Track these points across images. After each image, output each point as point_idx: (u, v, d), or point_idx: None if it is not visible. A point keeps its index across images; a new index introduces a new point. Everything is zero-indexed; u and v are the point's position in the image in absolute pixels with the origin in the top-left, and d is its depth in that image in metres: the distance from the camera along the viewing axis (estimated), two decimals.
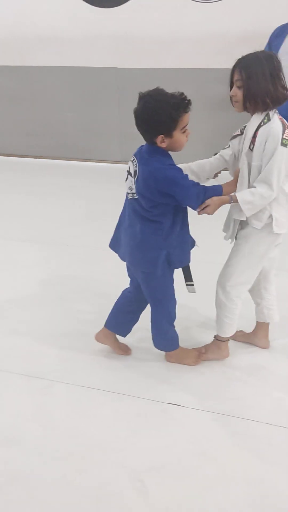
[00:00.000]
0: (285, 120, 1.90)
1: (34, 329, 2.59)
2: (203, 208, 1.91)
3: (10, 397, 2.13)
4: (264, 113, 1.89)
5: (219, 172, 2.15)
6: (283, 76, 1.86)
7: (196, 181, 2.10)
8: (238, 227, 2.10)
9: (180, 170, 1.90)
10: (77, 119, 5.37)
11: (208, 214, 1.93)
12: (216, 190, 1.93)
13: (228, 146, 2.10)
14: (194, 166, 2.11)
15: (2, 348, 2.44)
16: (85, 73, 5.10)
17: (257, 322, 2.40)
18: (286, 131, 1.85)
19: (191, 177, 2.05)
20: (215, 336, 2.29)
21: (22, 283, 3.05)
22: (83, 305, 2.81)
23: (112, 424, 1.99)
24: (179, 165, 1.97)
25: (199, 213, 1.94)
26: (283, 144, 1.83)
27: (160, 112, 1.77)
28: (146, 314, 2.27)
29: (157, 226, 1.93)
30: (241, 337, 2.44)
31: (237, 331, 2.32)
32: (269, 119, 1.88)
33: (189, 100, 1.81)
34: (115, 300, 2.30)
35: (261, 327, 2.40)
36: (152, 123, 1.80)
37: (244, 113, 1.98)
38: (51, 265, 3.27)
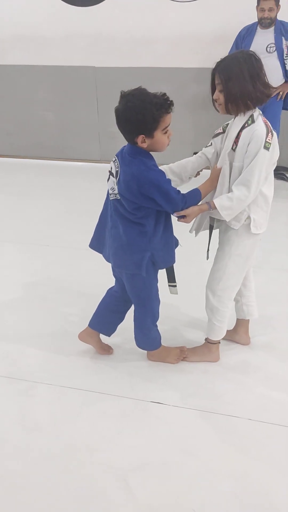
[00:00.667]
0: (269, 123, 1.90)
1: (16, 330, 2.57)
2: (182, 216, 1.93)
3: None
4: (248, 115, 1.89)
5: (201, 171, 2.16)
6: (265, 74, 1.86)
7: (179, 181, 2.11)
8: (221, 233, 2.12)
9: (162, 173, 1.89)
10: (56, 118, 5.34)
11: (186, 223, 1.95)
12: (195, 198, 1.95)
13: (210, 144, 2.10)
14: (175, 167, 2.11)
15: None
16: (63, 72, 5.08)
17: (237, 319, 2.43)
18: (269, 134, 1.85)
19: (173, 178, 2.06)
20: (206, 339, 2.31)
21: (2, 284, 3.02)
22: (65, 305, 2.80)
23: (96, 424, 1.99)
24: (160, 167, 1.97)
25: (178, 220, 1.96)
26: (265, 147, 1.84)
27: (141, 112, 1.75)
28: (129, 315, 2.28)
29: (140, 228, 1.93)
30: None
31: None
32: (253, 121, 1.88)
33: (171, 101, 1.80)
34: (98, 299, 2.30)
35: (241, 324, 2.43)
36: (133, 122, 1.78)
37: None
38: (31, 265, 3.25)
